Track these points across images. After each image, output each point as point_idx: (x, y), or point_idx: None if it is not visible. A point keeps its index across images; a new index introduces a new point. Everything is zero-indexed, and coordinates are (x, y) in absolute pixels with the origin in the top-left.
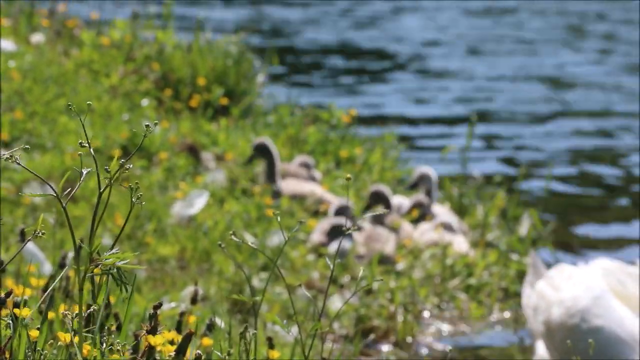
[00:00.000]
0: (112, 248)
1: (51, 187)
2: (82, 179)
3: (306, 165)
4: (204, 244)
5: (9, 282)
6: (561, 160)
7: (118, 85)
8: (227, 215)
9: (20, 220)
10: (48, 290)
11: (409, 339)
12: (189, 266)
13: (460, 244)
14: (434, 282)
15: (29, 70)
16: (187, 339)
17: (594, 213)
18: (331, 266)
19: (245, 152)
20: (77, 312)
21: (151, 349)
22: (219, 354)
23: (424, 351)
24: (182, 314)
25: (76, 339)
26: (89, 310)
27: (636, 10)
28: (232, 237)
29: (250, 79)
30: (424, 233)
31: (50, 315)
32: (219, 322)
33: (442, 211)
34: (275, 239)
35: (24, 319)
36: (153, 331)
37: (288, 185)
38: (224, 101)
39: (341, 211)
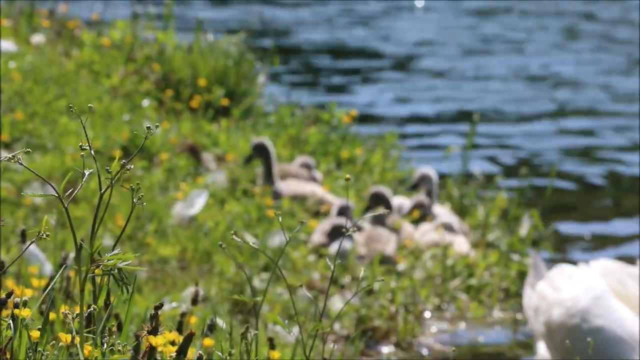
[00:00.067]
0: (113, 249)
1: (53, 188)
2: (84, 179)
3: (307, 166)
4: (204, 245)
5: (10, 283)
6: (558, 160)
7: (119, 85)
8: (228, 216)
9: (21, 221)
10: (48, 290)
11: (410, 340)
12: (189, 267)
13: (461, 244)
14: (434, 283)
15: (29, 70)
16: (188, 340)
17: (594, 212)
18: (332, 267)
19: (246, 153)
20: (78, 312)
21: (152, 349)
22: (220, 354)
23: (425, 351)
24: (183, 315)
25: (78, 340)
26: (89, 310)
27: (628, 9)
28: (234, 237)
29: (251, 79)
30: (425, 233)
31: (52, 316)
32: (220, 322)
33: (443, 212)
34: (276, 239)
35: (24, 319)
36: (154, 332)
37: (289, 186)
38: (225, 102)
39: (343, 212)
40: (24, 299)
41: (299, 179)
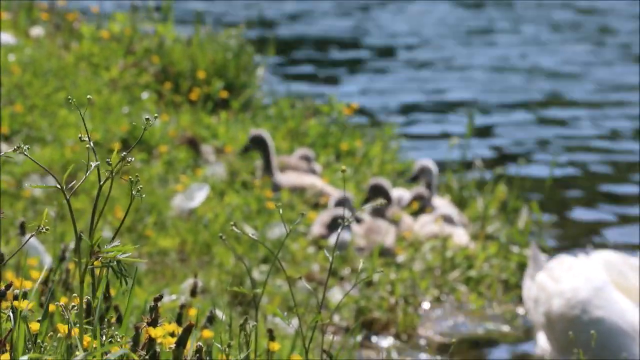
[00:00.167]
0: (112, 241)
1: (56, 179)
2: (88, 172)
3: (306, 158)
4: (204, 237)
5: (9, 275)
6: (555, 150)
7: (118, 78)
8: (228, 208)
9: (21, 213)
10: (42, 281)
11: (410, 331)
12: (189, 259)
13: (460, 236)
14: (434, 274)
15: (28, 63)
16: (188, 331)
17: (594, 202)
18: (330, 258)
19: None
20: (76, 304)
21: (151, 341)
22: (220, 346)
23: (424, 343)
24: (182, 307)
25: (77, 331)
26: (87, 300)
27: (621, 3)
28: (233, 228)
29: (250, 72)
30: (424, 225)
31: (52, 307)
32: (220, 314)
33: (443, 203)
34: (276, 231)
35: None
36: (153, 323)
37: (288, 178)
38: (224, 94)
39: (341, 203)
40: (23, 290)
41: (298, 171)
